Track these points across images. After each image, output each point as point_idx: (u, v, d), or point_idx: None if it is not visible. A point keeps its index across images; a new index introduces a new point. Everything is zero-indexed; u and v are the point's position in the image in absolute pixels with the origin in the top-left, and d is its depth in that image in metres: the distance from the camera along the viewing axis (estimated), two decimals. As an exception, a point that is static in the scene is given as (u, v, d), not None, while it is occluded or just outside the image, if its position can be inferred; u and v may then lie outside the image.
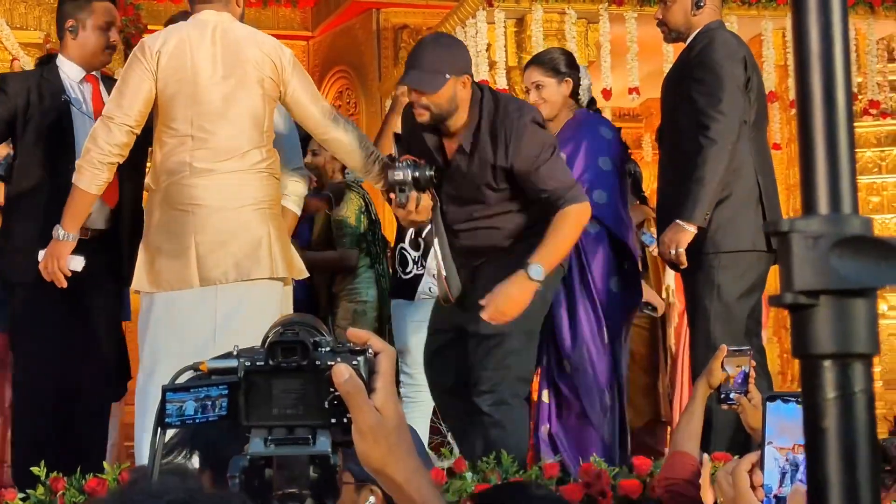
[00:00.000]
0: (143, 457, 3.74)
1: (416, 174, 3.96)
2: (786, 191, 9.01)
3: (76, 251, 4.02)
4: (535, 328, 4.39)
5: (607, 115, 10.62)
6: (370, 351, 1.36)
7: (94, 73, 4.78)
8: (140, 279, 3.84)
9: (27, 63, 8.83)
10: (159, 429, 1.35)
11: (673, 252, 4.39)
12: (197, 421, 1.33)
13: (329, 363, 1.33)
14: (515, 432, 4.23)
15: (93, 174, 3.84)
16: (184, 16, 4.40)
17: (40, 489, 3.69)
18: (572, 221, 4.10)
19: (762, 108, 4.63)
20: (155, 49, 3.87)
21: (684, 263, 4.41)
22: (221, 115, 3.89)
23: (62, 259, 3.89)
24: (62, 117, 4.62)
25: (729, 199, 4.45)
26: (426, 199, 3.98)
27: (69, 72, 4.73)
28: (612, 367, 4.93)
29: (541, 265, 3.97)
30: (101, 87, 4.75)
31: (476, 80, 4.41)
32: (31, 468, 3.73)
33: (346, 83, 13.18)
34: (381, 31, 12.70)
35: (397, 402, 1.36)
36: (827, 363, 0.81)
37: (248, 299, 3.90)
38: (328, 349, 1.35)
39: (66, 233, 3.90)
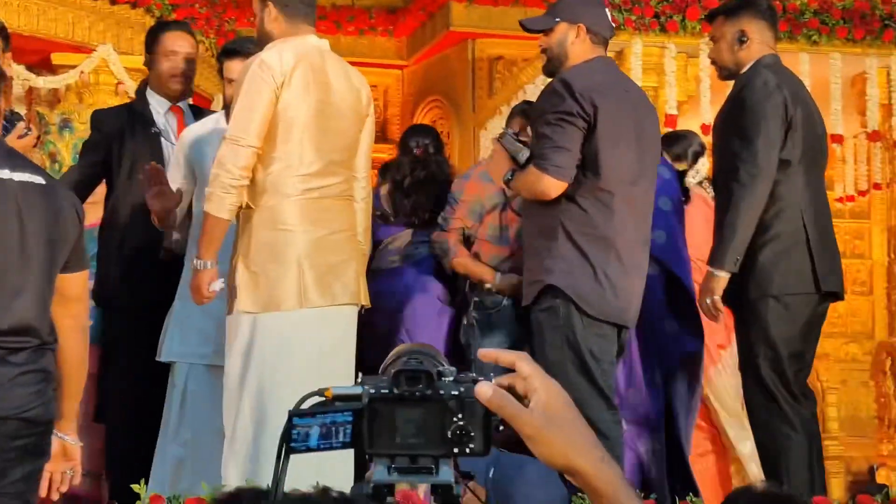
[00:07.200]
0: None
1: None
2: (886, 231, 8.83)
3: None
4: None
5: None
6: (491, 376, 1.35)
7: (179, 104, 4.88)
8: (244, 300, 3.83)
9: (131, 88, 9.01)
10: (283, 452, 1.35)
11: (709, 301, 4.27)
12: (321, 447, 1.33)
13: (452, 392, 1.32)
14: None
15: (223, 199, 3.77)
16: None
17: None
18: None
19: (813, 146, 4.38)
20: (281, 70, 3.80)
21: (721, 311, 4.29)
22: (335, 142, 3.92)
23: (204, 287, 3.84)
24: (153, 149, 4.73)
25: (773, 241, 4.28)
26: None
27: (155, 104, 4.86)
28: (665, 410, 4.82)
29: None
30: (185, 119, 4.85)
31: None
32: (132, 486, 3.77)
33: (439, 113, 13.24)
34: (476, 61, 12.76)
35: (564, 395, 1.32)
36: None
37: (347, 323, 3.94)
38: (451, 379, 1.34)
39: (205, 262, 3.84)
